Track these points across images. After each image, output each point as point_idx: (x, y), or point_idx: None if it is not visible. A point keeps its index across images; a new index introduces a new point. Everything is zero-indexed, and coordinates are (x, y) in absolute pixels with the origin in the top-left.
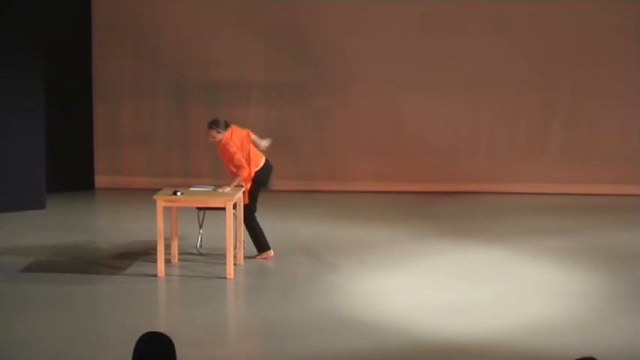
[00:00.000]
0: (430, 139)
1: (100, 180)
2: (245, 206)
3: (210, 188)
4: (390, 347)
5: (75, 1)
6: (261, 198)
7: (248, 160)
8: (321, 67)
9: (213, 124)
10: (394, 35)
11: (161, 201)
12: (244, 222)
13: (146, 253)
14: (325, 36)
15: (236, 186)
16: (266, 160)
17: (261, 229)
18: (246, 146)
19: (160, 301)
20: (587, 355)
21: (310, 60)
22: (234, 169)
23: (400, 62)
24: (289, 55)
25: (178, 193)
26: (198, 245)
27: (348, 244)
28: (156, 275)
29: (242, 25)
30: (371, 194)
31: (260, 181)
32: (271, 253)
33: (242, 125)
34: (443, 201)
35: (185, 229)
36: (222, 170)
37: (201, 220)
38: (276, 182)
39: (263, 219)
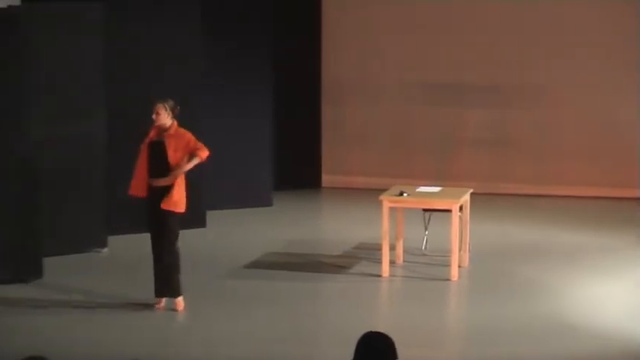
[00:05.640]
0: None
1: (327, 179)
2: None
3: (436, 189)
4: (611, 356)
5: (304, 2)
6: (479, 200)
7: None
8: (542, 70)
9: (170, 101)
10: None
11: (387, 201)
12: (161, 254)
13: (371, 253)
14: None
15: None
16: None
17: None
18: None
19: (383, 301)
20: None
21: (531, 62)
22: (192, 153)
23: (618, 61)
24: (512, 56)
25: (405, 194)
26: (423, 247)
27: (567, 249)
28: (380, 275)
29: (463, 27)
30: (587, 199)
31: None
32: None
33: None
34: None
35: (410, 230)
36: (444, 172)
37: (426, 221)
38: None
39: (478, 222)
